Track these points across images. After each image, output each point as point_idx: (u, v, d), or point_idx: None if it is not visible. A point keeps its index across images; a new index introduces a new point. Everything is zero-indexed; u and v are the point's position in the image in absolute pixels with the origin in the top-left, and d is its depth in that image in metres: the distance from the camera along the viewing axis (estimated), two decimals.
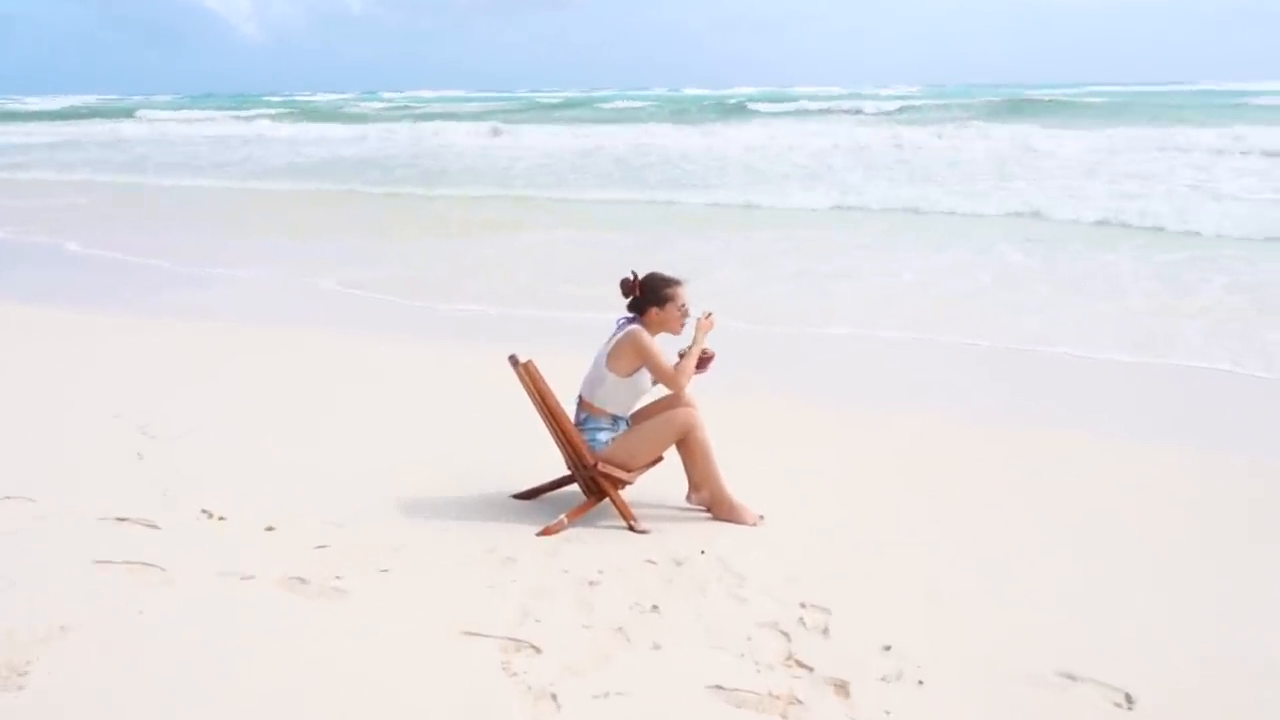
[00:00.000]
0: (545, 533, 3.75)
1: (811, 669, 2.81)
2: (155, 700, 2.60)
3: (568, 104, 53.68)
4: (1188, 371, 6.24)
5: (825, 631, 3.02)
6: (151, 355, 6.66)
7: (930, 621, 3.11)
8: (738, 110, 40.46)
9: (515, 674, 2.75)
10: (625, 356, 3.83)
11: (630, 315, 3.94)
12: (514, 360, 3.85)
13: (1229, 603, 3.31)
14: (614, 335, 3.91)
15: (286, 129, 36.26)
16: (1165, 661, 2.91)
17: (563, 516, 3.82)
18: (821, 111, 38.83)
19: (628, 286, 3.92)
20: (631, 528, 3.81)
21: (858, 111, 37.80)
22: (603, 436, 3.88)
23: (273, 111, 49.10)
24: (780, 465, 4.60)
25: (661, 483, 4.08)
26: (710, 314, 3.98)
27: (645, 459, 3.92)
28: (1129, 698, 2.69)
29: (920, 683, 2.75)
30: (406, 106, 56.74)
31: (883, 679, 2.77)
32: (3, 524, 3.70)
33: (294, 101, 68.92)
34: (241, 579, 3.27)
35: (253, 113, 48.44)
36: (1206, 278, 8.89)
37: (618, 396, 3.90)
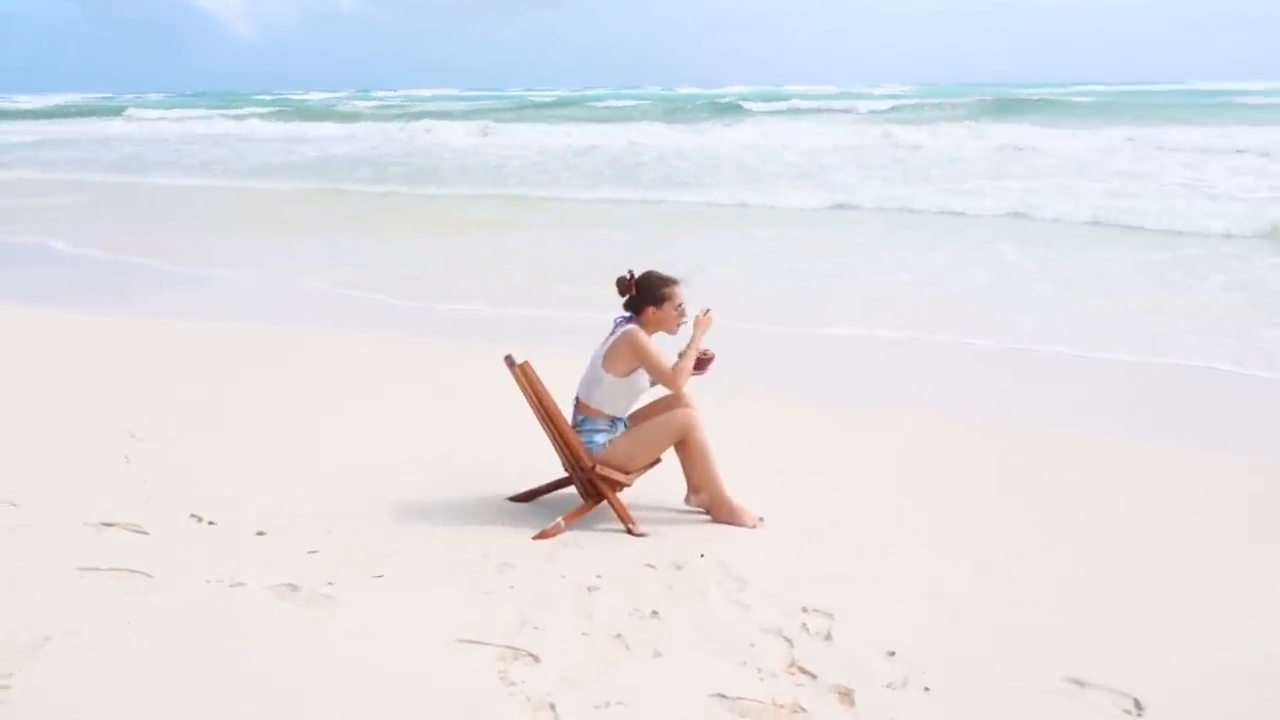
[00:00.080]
0: (542, 536, 3.69)
1: (815, 676, 2.75)
2: (142, 713, 2.53)
3: (561, 103, 53.57)
4: (1186, 370, 6.21)
5: (828, 637, 2.97)
6: (140, 356, 6.57)
7: (933, 625, 3.05)
8: (731, 109, 40.42)
9: (513, 684, 2.68)
10: (622, 357, 3.76)
11: (627, 315, 3.88)
12: (510, 361, 3.78)
13: (1232, 603, 3.28)
14: (610, 335, 3.85)
15: (277, 128, 36.06)
16: (1172, 665, 2.86)
17: (560, 520, 3.76)
18: (814, 110, 38.83)
19: (624, 285, 3.86)
20: (630, 531, 3.74)
21: (850, 110, 37.81)
22: (600, 438, 3.81)
23: (264, 110, 48.83)
24: (778, 465, 4.55)
25: (660, 485, 4.02)
26: (709, 311, 3.92)
27: (643, 461, 3.86)
28: (1138, 704, 2.64)
29: (926, 689, 2.69)
30: (399, 105, 56.53)
31: (888, 686, 2.71)
32: None
33: (286, 100, 68.60)
34: (231, 586, 3.19)
35: (244, 111, 48.15)
36: (1202, 276, 8.89)
37: (615, 397, 3.83)
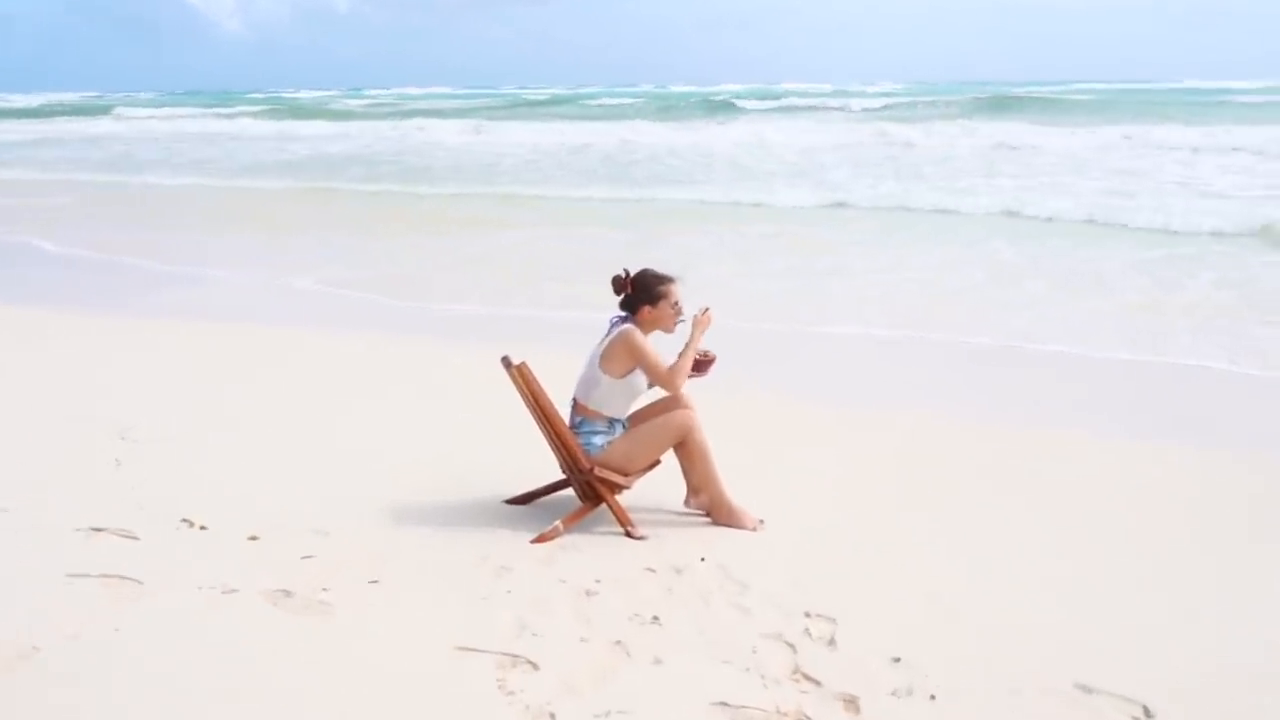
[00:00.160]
0: (540, 540, 3.63)
1: (819, 683, 2.71)
2: None
3: (554, 101, 53.45)
4: (1183, 369, 6.20)
5: (832, 642, 2.92)
6: (130, 357, 6.49)
7: (938, 630, 3.02)
8: (725, 107, 40.37)
9: (512, 693, 2.63)
10: (618, 358, 3.71)
11: (623, 314, 3.83)
12: (507, 362, 3.72)
13: (1233, 603, 3.26)
14: (607, 335, 3.80)
15: (269, 126, 35.86)
16: (1176, 668, 2.83)
17: (558, 523, 3.71)
18: (808, 108, 38.82)
19: (619, 284, 3.81)
20: (629, 534, 3.70)
21: (844, 108, 37.81)
22: (598, 440, 3.76)
23: (255, 109, 48.56)
24: (776, 465, 4.52)
25: (659, 487, 3.97)
26: (707, 310, 3.86)
27: (643, 463, 3.81)
28: (1147, 710, 2.61)
29: (932, 697, 2.65)
30: (391, 103, 56.32)
31: (893, 693, 2.67)
32: None
33: (278, 99, 68.27)
34: (224, 593, 3.13)
35: (235, 110, 47.89)
36: (1197, 274, 8.89)
37: (613, 398, 3.78)
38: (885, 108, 37.26)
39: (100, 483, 4.13)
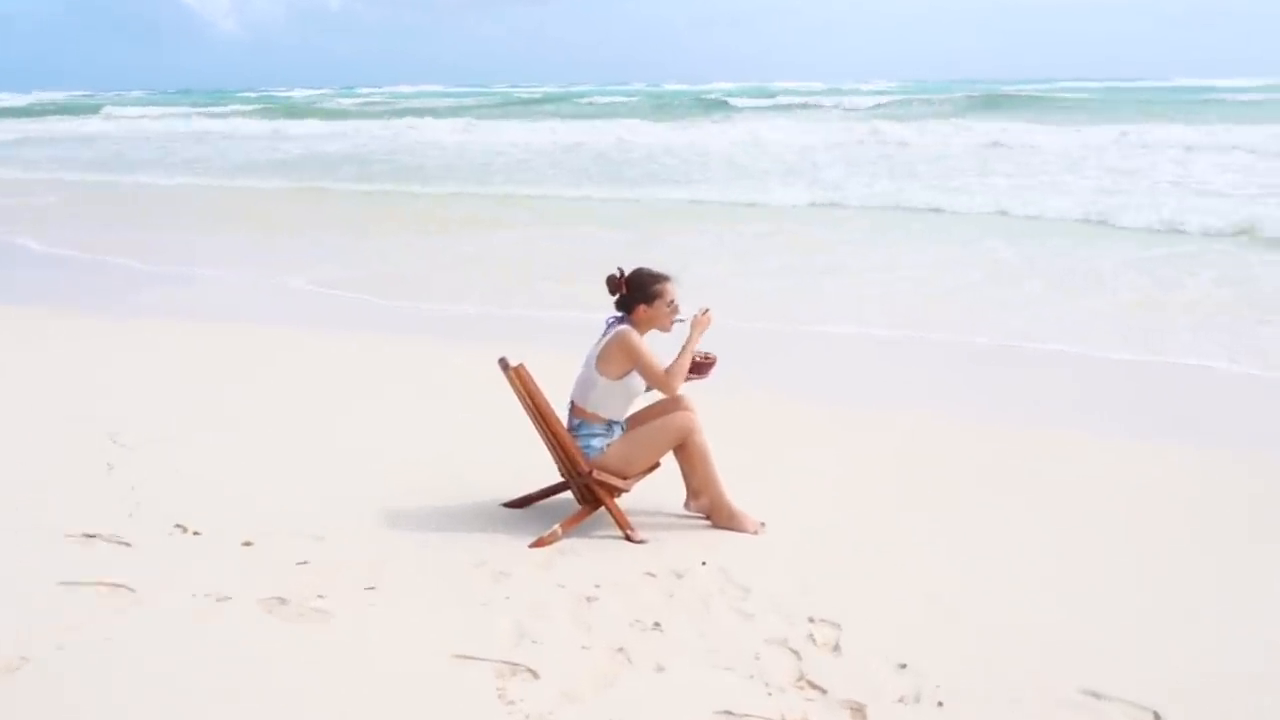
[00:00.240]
0: (538, 544, 3.59)
1: (825, 690, 2.67)
2: None
3: (547, 99, 53.30)
4: (1182, 368, 6.18)
5: (836, 648, 2.89)
6: (121, 358, 6.41)
7: (943, 635, 2.98)
8: (718, 106, 40.32)
9: (512, 702, 2.58)
10: (615, 359, 3.67)
11: (619, 315, 3.78)
12: (504, 364, 3.68)
13: (1238, 605, 3.24)
14: (603, 336, 3.75)
15: (260, 125, 35.65)
16: (1182, 671, 2.81)
17: (556, 527, 3.66)
18: (801, 107, 38.81)
19: (614, 284, 3.76)
20: (628, 537, 3.65)
21: (838, 107, 37.81)
22: (597, 442, 3.72)
23: (247, 108, 48.31)
24: (776, 466, 4.48)
25: (659, 489, 3.93)
26: (707, 311, 3.80)
27: (642, 465, 3.77)
28: (1157, 716, 2.58)
29: (940, 704, 2.62)
30: (384, 102, 56.10)
31: (900, 700, 2.63)
32: None
33: (271, 97, 67.95)
34: (217, 600, 3.08)
35: (226, 109, 47.63)
36: (1194, 272, 8.89)
37: (610, 400, 3.74)
38: (878, 106, 37.26)
39: (92, 487, 4.07)
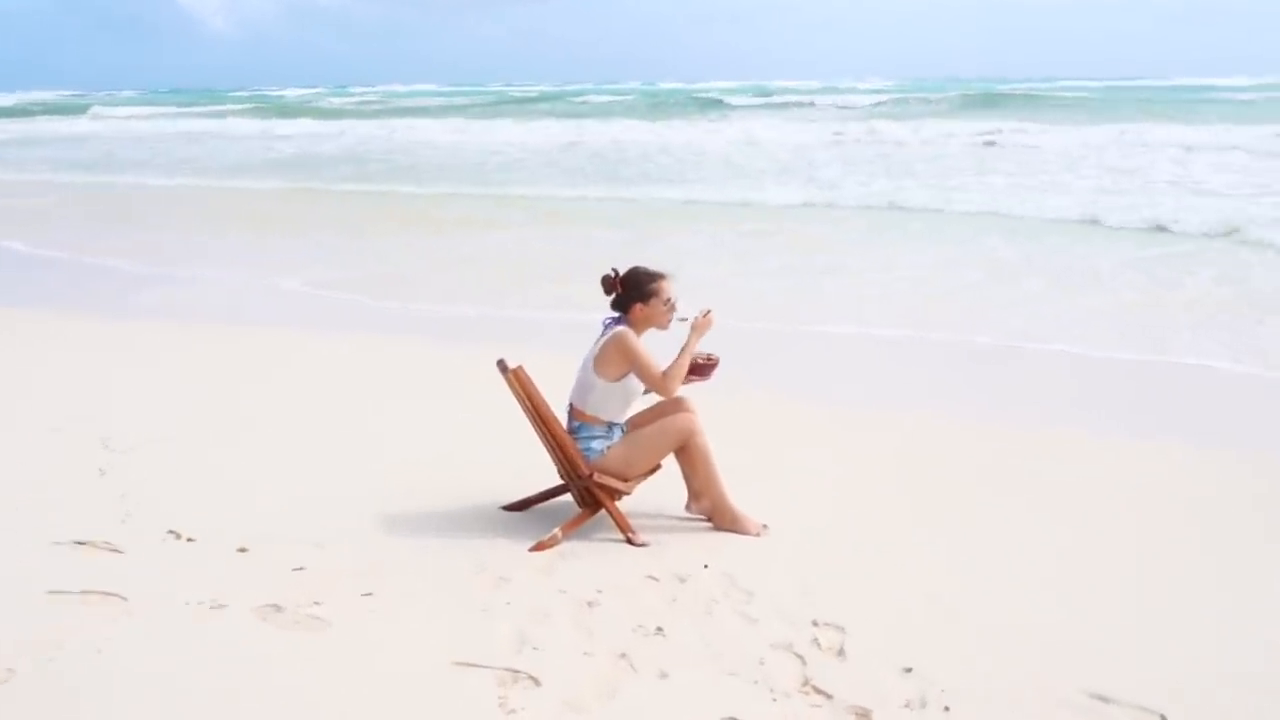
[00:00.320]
0: (538, 548, 3.54)
1: (830, 696, 2.63)
2: None
3: (542, 98, 53.21)
4: (1181, 367, 6.15)
5: (841, 652, 2.85)
6: (113, 362, 6.35)
7: (947, 637, 2.95)
8: (714, 105, 40.29)
9: (513, 710, 2.54)
10: (612, 361, 3.62)
11: (615, 315, 3.73)
12: (503, 366, 3.63)
13: (1243, 606, 3.22)
14: (600, 338, 3.70)
15: (253, 125, 35.50)
16: (1185, 673, 2.78)
17: (557, 530, 3.61)
18: (799, 105, 38.79)
19: (609, 284, 3.71)
20: (630, 541, 3.61)
21: (835, 105, 37.80)
22: (597, 445, 3.67)
23: (239, 108, 48.11)
24: (776, 467, 4.45)
25: (660, 492, 3.89)
26: (709, 312, 3.74)
27: (643, 468, 3.72)
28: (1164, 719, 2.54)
29: (946, 709, 2.58)
30: (378, 101, 55.93)
31: (906, 705, 2.59)
32: None
33: (263, 96, 67.71)
34: (212, 608, 3.02)
35: (215, 109, 47.43)
36: (1194, 272, 8.87)
37: (609, 402, 3.69)
38: (876, 104, 37.27)
39: (83, 493, 4.00)
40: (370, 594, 3.14)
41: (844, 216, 12.95)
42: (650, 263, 3.83)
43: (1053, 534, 3.75)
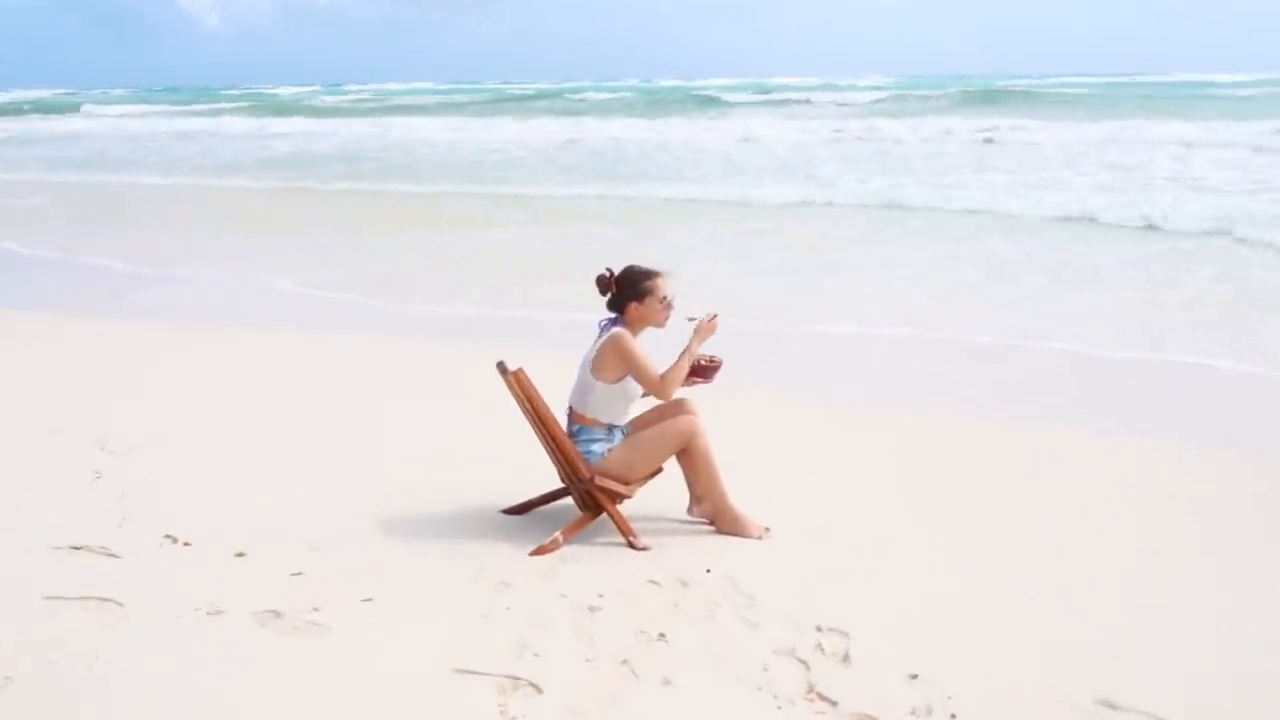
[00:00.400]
0: (539, 552, 3.51)
1: (835, 703, 2.60)
2: None
3: (540, 96, 53.09)
4: (1184, 367, 6.13)
5: (846, 658, 2.82)
6: (107, 363, 6.30)
7: (953, 642, 2.92)
8: (713, 102, 40.23)
9: (514, 718, 2.50)
10: (609, 363, 3.58)
11: (612, 317, 3.69)
12: (502, 368, 3.59)
13: (1247, 607, 3.20)
14: (597, 339, 3.66)
15: (246, 123, 35.37)
16: (1198, 680, 2.76)
17: (557, 534, 3.58)
18: (798, 102, 38.74)
19: (604, 283, 3.67)
20: (631, 545, 3.57)
21: (834, 103, 37.76)
22: (598, 448, 3.63)
23: (233, 106, 47.96)
24: (777, 467, 4.42)
25: (661, 494, 3.85)
26: (714, 316, 3.68)
27: (644, 471, 3.69)
28: None
29: (953, 716, 2.55)
30: (373, 99, 55.78)
31: (912, 712, 2.57)
32: None
33: (257, 95, 67.50)
34: (209, 614, 2.99)
35: (208, 107, 47.28)
36: (1193, 270, 8.85)
37: (609, 405, 3.65)
38: (874, 102, 37.24)
39: (79, 496, 3.97)
40: (370, 599, 3.11)
41: (843, 214, 12.92)
42: (648, 261, 3.79)
43: (1053, 533, 3.74)
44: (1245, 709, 2.63)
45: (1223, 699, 2.66)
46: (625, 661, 2.78)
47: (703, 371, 3.67)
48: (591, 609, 3.08)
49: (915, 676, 2.72)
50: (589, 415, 3.65)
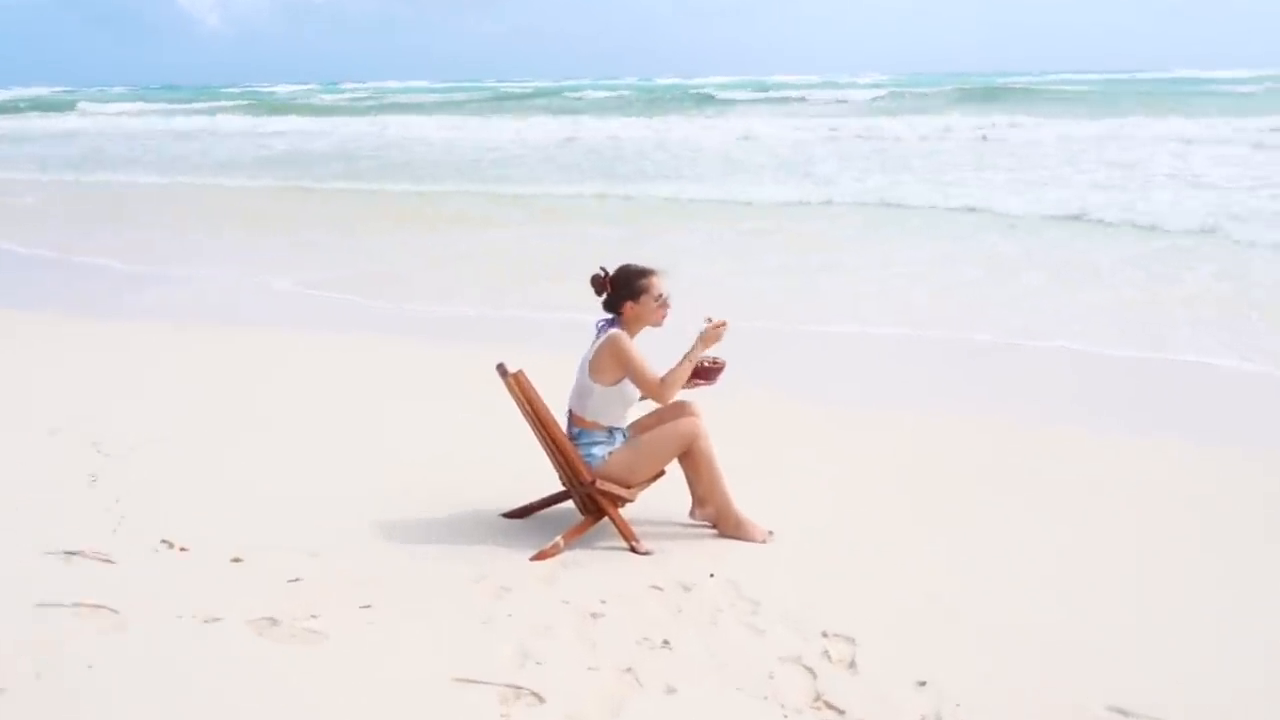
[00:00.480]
0: (540, 557, 3.46)
1: (843, 711, 2.56)
2: None
3: (538, 94, 53.01)
4: (1185, 365, 6.10)
5: (852, 665, 2.78)
6: (104, 364, 6.24)
7: (959, 647, 2.88)
8: (711, 100, 40.18)
9: None
10: (606, 366, 3.53)
11: (609, 317, 3.65)
12: (503, 370, 3.54)
13: (1247, 606, 3.17)
14: (594, 341, 3.62)
15: (243, 121, 35.27)
16: (1199, 680, 2.74)
17: (558, 539, 3.53)
18: (796, 100, 38.70)
19: (599, 283, 3.62)
20: (633, 549, 3.53)
21: (833, 100, 37.71)
22: (599, 450, 3.59)
23: (231, 104, 47.86)
24: (778, 468, 4.39)
25: (663, 497, 3.81)
26: (722, 324, 3.59)
27: (646, 474, 3.64)
28: None
29: None
30: (370, 97, 55.67)
31: None
32: None
33: (255, 93, 67.34)
34: (205, 621, 2.94)
35: (207, 105, 47.16)
36: (1194, 267, 8.82)
37: (608, 407, 3.61)
38: (873, 100, 37.19)
39: (74, 500, 3.91)
40: (368, 606, 3.06)
41: (841, 213, 12.88)
42: (648, 261, 3.74)
43: (1053, 533, 3.72)
44: (1246, 709, 2.60)
45: (1223, 699, 2.64)
46: (629, 669, 2.73)
47: (705, 373, 3.62)
48: (594, 615, 3.04)
49: (924, 684, 2.68)
50: (589, 418, 3.61)
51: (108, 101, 54.78)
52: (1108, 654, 2.84)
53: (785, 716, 2.54)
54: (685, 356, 3.56)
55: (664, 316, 3.61)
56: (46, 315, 7.72)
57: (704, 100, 40.24)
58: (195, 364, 6.27)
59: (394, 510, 3.86)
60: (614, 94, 48.20)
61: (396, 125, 31.02)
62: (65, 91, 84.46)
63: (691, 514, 3.74)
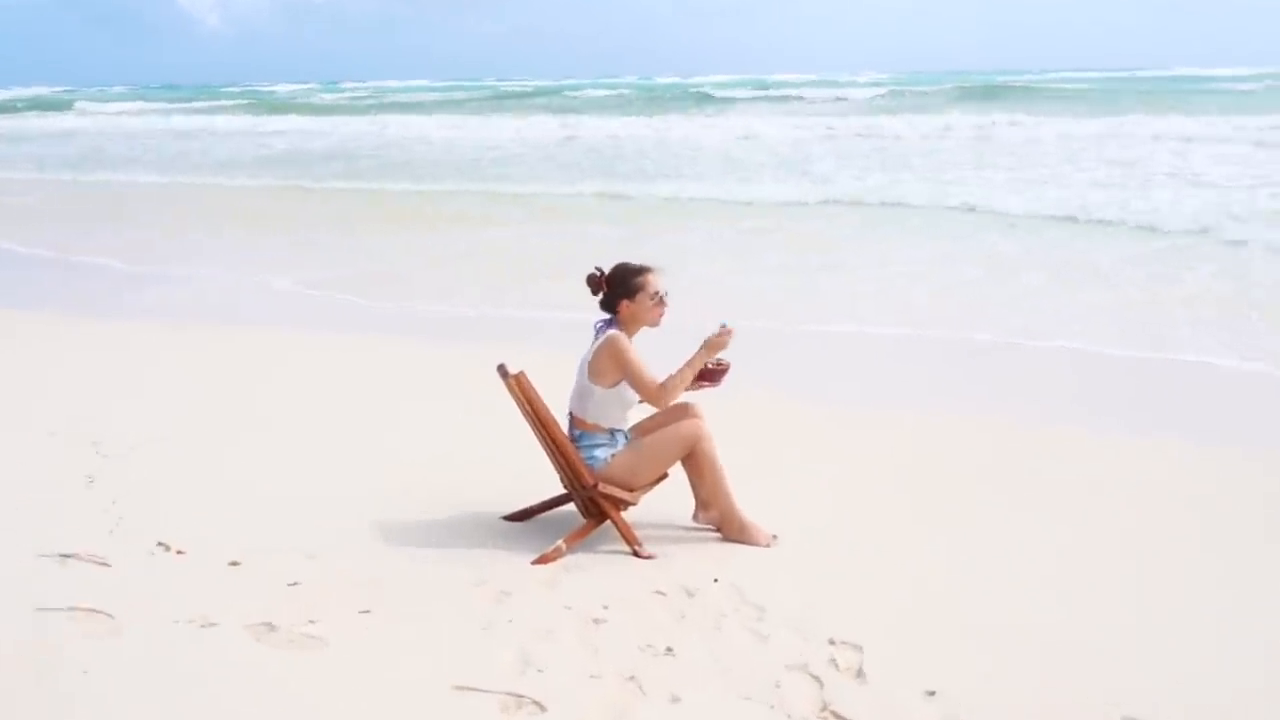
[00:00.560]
0: (541, 561, 3.43)
1: None
2: None
3: (537, 93, 52.94)
4: (1183, 365, 6.07)
5: (860, 674, 2.74)
6: (102, 364, 6.21)
7: (968, 655, 2.85)
8: (711, 99, 40.12)
9: None
10: (605, 367, 3.50)
11: (607, 318, 3.61)
12: (503, 371, 3.51)
13: (1247, 605, 3.15)
14: (593, 343, 3.58)
15: (243, 121, 35.21)
16: (1199, 680, 2.72)
17: (560, 542, 3.50)
18: (796, 99, 38.65)
19: (595, 283, 3.58)
20: (636, 553, 3.49)
21: (832, 99, 37.67)
22: (600, 453, 3.55)
23: (230, 104, 47.79)
24: (779, 468, 4.36)
25: (666, 500, 3.77)
26: (730, 331, 3.53)
27: (649, 477, 3.61)
28: None
29: None
30: (370, 96, 55.61)
31: None
32: None
33: (254, 93, 67.27)
34: (202, 626, 2.90)
35: (207, 104, 47.10)
36: (1194, 267, 8.78)
37: (609, 409, 3.57)
38: (873, 98, 37.16)
39: (71, 501, 3.88)
40: (368, 610, 3.02)
41: (840, 212, 12.84)
42: (647, 261, 3.70)
43: (1053, 533, 3.70)
44: (1246, 709, 2.58)
45: (1223, 699, 2.62)
46: (632, 677, 2.70)
47: (709, 375, 3.58)
48: (596, 621, 3.00)
49: (933, 693, 2.64)
50: (590, 420, 3.57)
51: (107, 101, 54.71)
52: (1108, 654, 2.82)
53: None
54: (687, 363, 3.51)
55: (661, 315, 3.57)
56: (45, 315, 7.68)
57: (703, 99, 40.18)
58: (195, 364, 6.24)
59: (394, 511, 3.83)
60: (614, 93, 48.14)
61: (396, 124, 30.97)
62: (65, 91, 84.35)
63: (695, 517, 3.71)
